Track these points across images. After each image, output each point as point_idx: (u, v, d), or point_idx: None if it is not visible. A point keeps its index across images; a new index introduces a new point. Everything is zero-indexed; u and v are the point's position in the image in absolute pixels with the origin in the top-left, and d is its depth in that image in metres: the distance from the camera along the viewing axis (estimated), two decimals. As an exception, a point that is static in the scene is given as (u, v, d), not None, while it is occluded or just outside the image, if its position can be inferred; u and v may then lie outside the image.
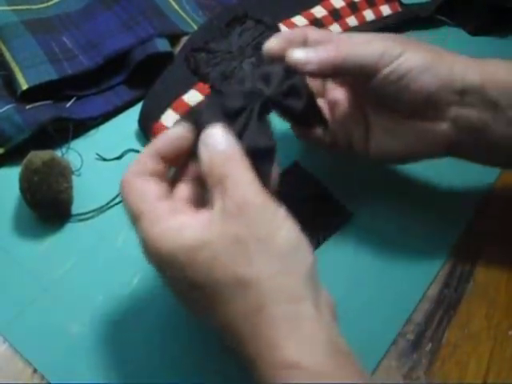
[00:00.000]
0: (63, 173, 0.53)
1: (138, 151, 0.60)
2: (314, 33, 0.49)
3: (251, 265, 0.37)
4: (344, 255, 0.54)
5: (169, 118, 0.59)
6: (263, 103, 0.43)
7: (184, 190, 0.43)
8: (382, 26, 0.71)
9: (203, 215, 0.39)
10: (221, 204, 0.38)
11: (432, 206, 0.58)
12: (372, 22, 0.71)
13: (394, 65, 0.46)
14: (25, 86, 0.59)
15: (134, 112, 0.62)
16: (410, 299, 0.53)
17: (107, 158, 0.59)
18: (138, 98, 0.63)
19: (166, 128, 0.58)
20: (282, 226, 0.39)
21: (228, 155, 0.39)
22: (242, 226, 0.37)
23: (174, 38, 0.66)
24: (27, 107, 0.58)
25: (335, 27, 0.69)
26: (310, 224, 0.54)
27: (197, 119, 0.42)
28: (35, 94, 0.60)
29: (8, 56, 0.61)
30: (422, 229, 0.56)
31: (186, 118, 0.43)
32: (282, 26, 0.66)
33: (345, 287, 0.52)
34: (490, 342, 0.51)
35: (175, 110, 0.59)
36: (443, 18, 0.76)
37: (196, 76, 0.62)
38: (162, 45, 0.63)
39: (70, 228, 0.55)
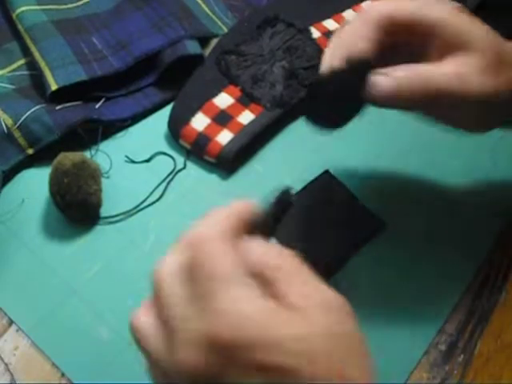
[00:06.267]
0: (93, 175, 0.53)
1: (167, 154, 0.59)
2: None
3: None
4: (375, 265, 0.53)
5: (199, 120, 0.58)
6: None
7: None
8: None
9: None
10: None
11: (464, 218, 0.57)
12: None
13: None
14: (54, 87, 0.59)
15: (164, 114, 0.61)
16: (442, 309, 0.52)
17: (136, 160, 0.59)
18: (167, 100, 0.63)
19: (196, 131, 0.58)
20: None
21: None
22: None
23: (203, 40, 0.66)
24: (57, 108, 0.58)
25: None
26: (340, 234, 0.53)
27: None
28: (64, 94, 0.59)
29: (37, 56, 0.61)
30: (453, 240, 0.55)
31: None
32: (313, 29, 0.65)
33: (376, 297, 0.52)
34: (523, 353, 0.50)
35: (205, 113, 0.59)
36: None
37: (227, 78, 0.61)
38: (193, 47, 0.63)
39: (99, 231, 0.54)
